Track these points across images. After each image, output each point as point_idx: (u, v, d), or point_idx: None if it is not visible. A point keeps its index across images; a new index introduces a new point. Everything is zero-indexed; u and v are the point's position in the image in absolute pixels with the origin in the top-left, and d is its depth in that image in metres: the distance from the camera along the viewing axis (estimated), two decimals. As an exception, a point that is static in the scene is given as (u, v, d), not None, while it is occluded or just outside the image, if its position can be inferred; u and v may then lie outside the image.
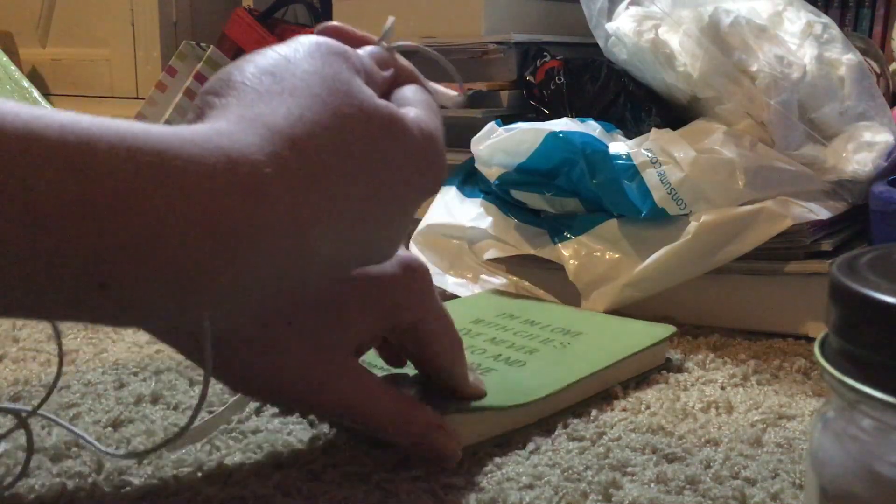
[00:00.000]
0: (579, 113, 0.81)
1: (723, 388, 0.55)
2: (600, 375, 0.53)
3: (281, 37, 1.38)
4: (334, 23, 0.40)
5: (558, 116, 0.79)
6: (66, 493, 0.41)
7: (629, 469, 0.44)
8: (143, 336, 0.66)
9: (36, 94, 1.49)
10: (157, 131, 0.28)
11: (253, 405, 0.52)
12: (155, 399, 0.53)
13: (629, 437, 0.48)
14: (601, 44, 0.82)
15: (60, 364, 0.46)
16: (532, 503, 0.41)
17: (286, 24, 1.44)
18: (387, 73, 0.39)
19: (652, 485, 0.42)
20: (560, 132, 0.71)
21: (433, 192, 0.38)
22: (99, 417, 0.50)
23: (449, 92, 0.46)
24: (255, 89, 0.33)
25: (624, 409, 0.52)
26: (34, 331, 0.67)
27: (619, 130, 0.78)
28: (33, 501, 0.41)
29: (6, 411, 0.48)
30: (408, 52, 0.44)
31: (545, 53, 0.89)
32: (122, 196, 0.26)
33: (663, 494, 0.41)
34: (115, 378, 0.57)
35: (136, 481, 0.43)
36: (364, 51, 0.39)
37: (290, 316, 0.38)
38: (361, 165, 0.34)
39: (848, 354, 0.25)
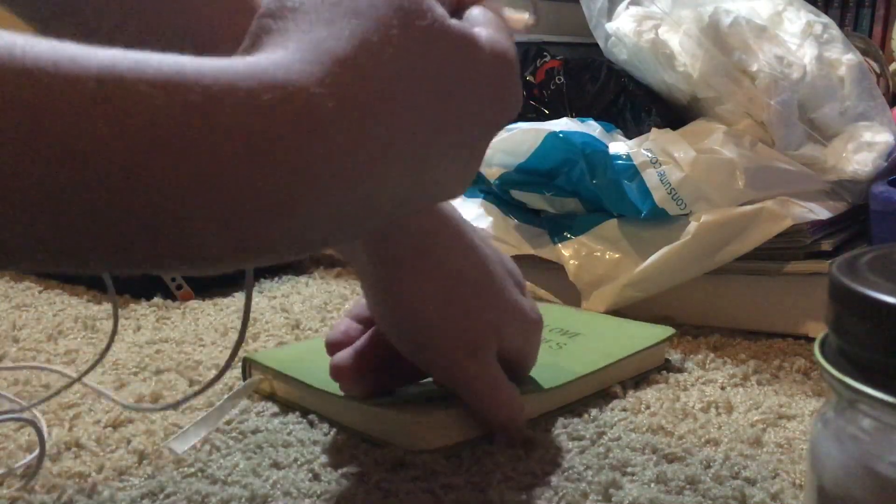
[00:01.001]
0: (579, 113, 0.81)
1: (723, 388, 0.55)
2: (596, 377, 0.53)
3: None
4: None
5: (558, 116, 0.79)
6: (66, 493, 0.41)
7: (629, 469, 0.44)
8: (143, 336, 0.66)
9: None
10: (206, 66, 0.26)
11: (249, 403, 0.52)
12: (155, 399, 0.53)
13: (629, 437, 0.48)
14: (601, 44, 0.82)
15: (115, 329, 0.47)
16: (532, 503, 0.41)
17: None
18: None
19: (652, 485, 0.42)
20: (560, 132, 0.71)
21: (507, 121, 0.35)
22: (99, 417, 0.50)
23: (519, 14, 0.42)
24: (315, 10, 0.30)
25: (624, 409, 0.52)
26: (34, 331, 0.67)
27: (619, 130, 0.78)
28: (33, 501, 0.41)
29: (55, 371, 0.49)
30: None
31: (545, 53, 0.89)
32: (165, 137, 0.25)
33: (663, 494, 0.41)
34: (115, 378, 0.57)
35: (136, 481, 0.43)
36: None
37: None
38: (430, 94, 0.31)
39: (848, 354, 0.25)
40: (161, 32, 0.44)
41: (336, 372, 0.47)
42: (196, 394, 0.45)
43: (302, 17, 0.30)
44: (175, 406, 0.45)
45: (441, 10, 0.32)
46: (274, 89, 0.27)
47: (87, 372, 0.47)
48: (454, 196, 0.36)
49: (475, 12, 0.35)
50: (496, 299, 0.47)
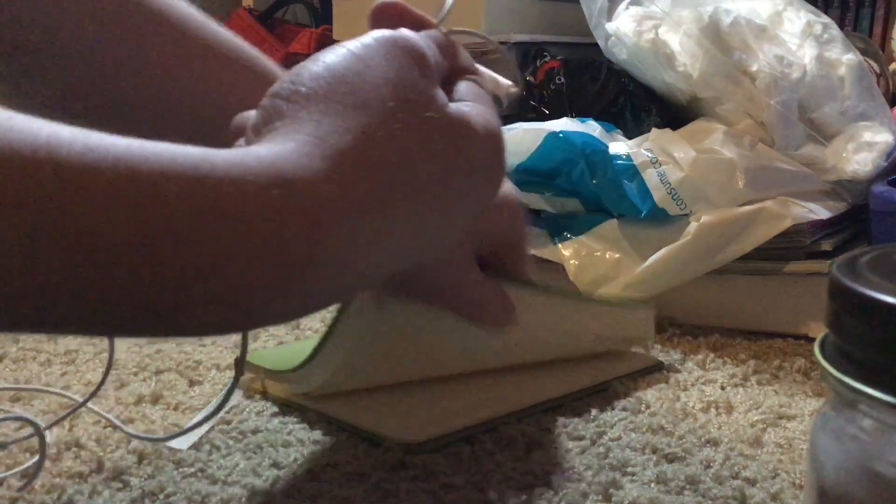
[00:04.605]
0: (579, 113, 0.81)
1: (723, 388, 0.55)
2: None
3: (281, 37, 1.38)
4: (392, 0, 0.38)
5: (558, 116, 0.79)
6: (66, 493, 0.41)
7: (629, 469, 0.44)
8: (143, 336, 0.66)
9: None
10: (218, 160, 0.27)
11: (248, 402, 0.52)
12: (155, 399, 0.53)
13: (629, 437, 0.48)
14: (601, 44, 0.82)
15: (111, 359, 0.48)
16: (532, 503, 0.41)
17: (286, 24, 1.44)
18: (445, 63, 0.37)
19: (652, 485, 0.42)
20: (560, 132, 0.71)
21: (494, 194, 0.37)
22: (99, 418, 0.50)
23: (505, 81, 0.43)
24: (325, 98, 0.31)
25: (624, 409, 0.52)
26: (34, 331, 0.67)
27: (619, 130, 0.78)
28: (33, 501, 0.41)
29: (53, 393, 0.49)
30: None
31: (545, 53, 0.89)
32: (180, 230, 0.26)
33: (663, 494, 0.41)
34: (115, 378, 0.57)
35: (135, 481, 0.43)
36: (424, 36, 0.36)
37: None
38: (429, 178, 0.33)
39: (848, 354, 0.25)
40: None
41: None
42: (199, 423, 0.45)
43: (313, 105, 0.31)
44: (182, 434, 0.45)
45: (443, 99, 0.34)
46: (282, 185, 0.28)
47: (91, 395, 0.47)
48: (441, 259, 0.38)
49: (464, 87, 0.37)
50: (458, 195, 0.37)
